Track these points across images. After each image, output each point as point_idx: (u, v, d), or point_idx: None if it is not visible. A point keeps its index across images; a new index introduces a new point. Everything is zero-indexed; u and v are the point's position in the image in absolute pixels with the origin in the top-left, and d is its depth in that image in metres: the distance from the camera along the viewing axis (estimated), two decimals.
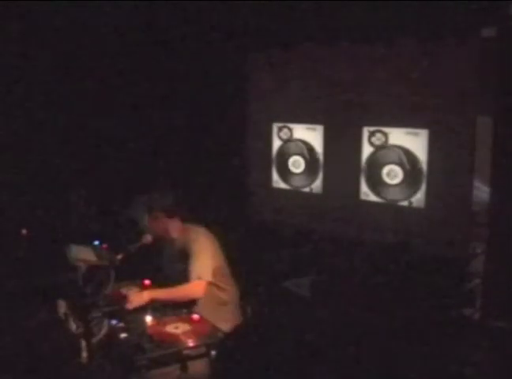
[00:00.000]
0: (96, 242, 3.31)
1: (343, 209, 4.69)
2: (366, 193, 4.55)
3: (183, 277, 3.11)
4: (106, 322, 2.69)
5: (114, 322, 2.76)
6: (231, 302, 3.29)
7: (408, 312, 3.61)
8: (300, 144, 5.00)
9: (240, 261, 3.49)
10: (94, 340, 2.54)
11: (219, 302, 3.21)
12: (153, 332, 2.66)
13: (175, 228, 3.24)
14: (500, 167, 3.66)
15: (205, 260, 3.12)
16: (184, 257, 3.16)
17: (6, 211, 4.33)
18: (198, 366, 2.53)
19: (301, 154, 5.01)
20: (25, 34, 4.39)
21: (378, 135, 4.43)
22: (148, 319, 2.80)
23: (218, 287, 3.21)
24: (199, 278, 3.08)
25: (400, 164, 4.31)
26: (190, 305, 3.04)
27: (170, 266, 3.30)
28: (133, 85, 4.94)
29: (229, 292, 3.28)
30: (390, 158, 4.37)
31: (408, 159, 4.26)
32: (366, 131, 4.49)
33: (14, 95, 4.54)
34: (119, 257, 2.98)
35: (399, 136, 4.30)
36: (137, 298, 2.97)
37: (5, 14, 4.16)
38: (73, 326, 2.65)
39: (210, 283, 3.13)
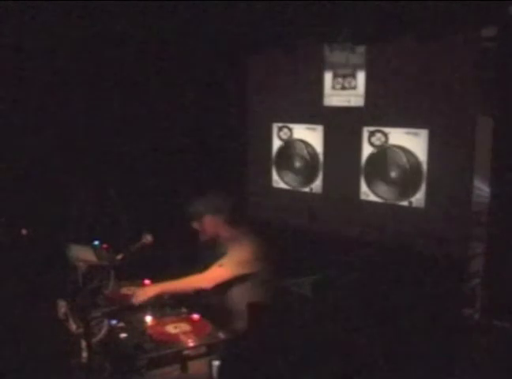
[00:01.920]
0: (96, 242, 3.31)
1: (343, 209, 4.69)
2: (366, 193, 4.55)
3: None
4: (106, 322, 2.69)
5: (114, 322, 2.76)
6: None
7: (407, 312, 3.61)
8: (300, 144, 5.00)
9: None
10: (94, 340, 2.54)
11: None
12: (153, 332, 2.66)
13: (227, 233, 3.25)
14: (500, 167, 3.66)
15: (236, 262, 3.10)
16: None
17: (6, 211, 4.32)
18: (198, 366, 2.53)
19: (301, 154, 5.01)
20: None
21: (378, 135, 4.42)
22: (148, 319, 2.80)
23: (251, 292, 3.20)
24: (220, 265, 3.07)
25: (400, 164, 4.31)
26: (191, 305, 3.04)
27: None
28: (130, 86, 4.94)
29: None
30: (390, 158, 4.37)
31: (408, 159, 4.26)
32: (366, 131, 4.49)
33: (15, 95, 4.54)
34: (119, 257, 2.99)
35: (399, 136, 4.30)
36: (143, 292, 2.96)
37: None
38: (73, 326, 2.65)
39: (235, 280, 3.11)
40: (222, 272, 3.05)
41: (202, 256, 3.42)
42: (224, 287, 3.10)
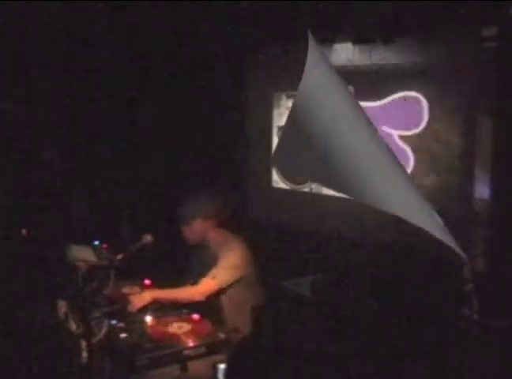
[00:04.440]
0: (96, 242, 3.31)
1: (343, 209, 4.69)
2: None
3: None
4: (106, 322, 2.69)
5: (114, 322, 2.76)
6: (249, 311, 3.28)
7: (407, 312, 3.61)
8: None
9: None
10: (94, 340, 2.54)
11: (242, 309, 3.20)
12: (153, 332, 2.66)
13: (217, 237, 3.24)
14: (500, 167, 3.66)
15: (229, 269, 3.10)
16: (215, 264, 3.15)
17: (6, 211, 4.33)
18: (198, 366, 2.53)
19: None
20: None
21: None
22: (148, 319, 2.80)
23: (242, 295, 3.20)
24: (213, 277, 3.07)
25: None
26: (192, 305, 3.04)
27: (201, 272, 3.25)
28: (130, 86, 4.94)
29: (250, 301, 3.25)
30: None
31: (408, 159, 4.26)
32: None
33: (17, 95, 4.55)
34: (119, 257, 2.98)
35: (401, 136, 4.29)
36: (139, 299, 2.97)
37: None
38: (73, 326, 2.65)
39: (225, 291, 3.12)
40: (215, 285, 3.06)
41: (192, 260, 3.40)
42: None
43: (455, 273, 3.88)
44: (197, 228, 3.20)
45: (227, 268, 3.10)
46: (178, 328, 2.74)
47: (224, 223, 3.29)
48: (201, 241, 3.26)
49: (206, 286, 3.06)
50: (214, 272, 3.08)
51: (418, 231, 4.18)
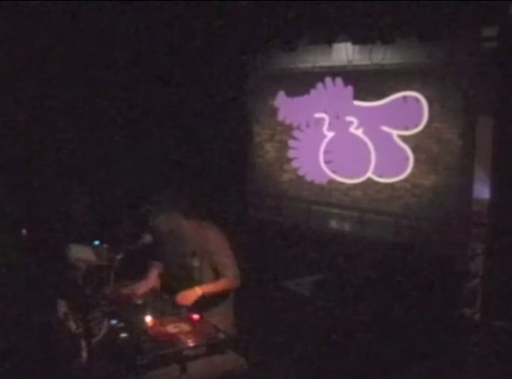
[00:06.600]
0: (96, 242, 3.30)
1: (344, 209, 4.70)
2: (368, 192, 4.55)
3: (196, 272, 3.12)
4: (106, 322, 2.69)
5: (114, 322, 2.76)
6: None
7: (408, 312, 3.61)
8: None
9: (240, 261, 3.49)
10: (94, 340, 2.54)
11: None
12: (153, 332, 2.66)
13: (190, 226, 3.24)
14: (500, 167, 3.66)
15: (232, 257, 3.17)
16: (197, 253, 3.15)
17: (6, 211, 4.33)
18: (198, 366, 2.53)
19: None
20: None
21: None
22: (148, 319, 2.80)
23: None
24: (235, 274, 3.14)
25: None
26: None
27: (180, 262, 3.26)
28: (134, 86, 4.94)
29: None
30: None
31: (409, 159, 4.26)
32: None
33: (14, 93, 4.54)
34: (119, 257, 2.98)
35: (401, 136, 4.30)
36: (192, 294, 2.98)
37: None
38: (73, 326, 2.65)
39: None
40: (236, 269, 3.13)
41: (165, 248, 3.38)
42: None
43: (455, 273, 3.89)
44: (165, 222, 3.20)
45: (232, 257, 3.16)
46: (178, 328, 2.73)
47: (192, 213, 3.28)
48: (176, 232, 3.25)
49: (236, 280, 3.13)
50: (233, 269, 3.13)
51: (418, 231, 4.18)
